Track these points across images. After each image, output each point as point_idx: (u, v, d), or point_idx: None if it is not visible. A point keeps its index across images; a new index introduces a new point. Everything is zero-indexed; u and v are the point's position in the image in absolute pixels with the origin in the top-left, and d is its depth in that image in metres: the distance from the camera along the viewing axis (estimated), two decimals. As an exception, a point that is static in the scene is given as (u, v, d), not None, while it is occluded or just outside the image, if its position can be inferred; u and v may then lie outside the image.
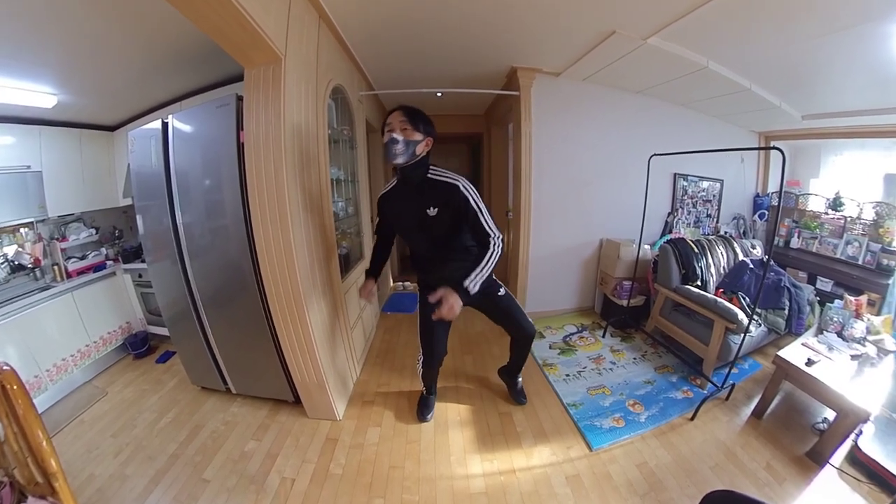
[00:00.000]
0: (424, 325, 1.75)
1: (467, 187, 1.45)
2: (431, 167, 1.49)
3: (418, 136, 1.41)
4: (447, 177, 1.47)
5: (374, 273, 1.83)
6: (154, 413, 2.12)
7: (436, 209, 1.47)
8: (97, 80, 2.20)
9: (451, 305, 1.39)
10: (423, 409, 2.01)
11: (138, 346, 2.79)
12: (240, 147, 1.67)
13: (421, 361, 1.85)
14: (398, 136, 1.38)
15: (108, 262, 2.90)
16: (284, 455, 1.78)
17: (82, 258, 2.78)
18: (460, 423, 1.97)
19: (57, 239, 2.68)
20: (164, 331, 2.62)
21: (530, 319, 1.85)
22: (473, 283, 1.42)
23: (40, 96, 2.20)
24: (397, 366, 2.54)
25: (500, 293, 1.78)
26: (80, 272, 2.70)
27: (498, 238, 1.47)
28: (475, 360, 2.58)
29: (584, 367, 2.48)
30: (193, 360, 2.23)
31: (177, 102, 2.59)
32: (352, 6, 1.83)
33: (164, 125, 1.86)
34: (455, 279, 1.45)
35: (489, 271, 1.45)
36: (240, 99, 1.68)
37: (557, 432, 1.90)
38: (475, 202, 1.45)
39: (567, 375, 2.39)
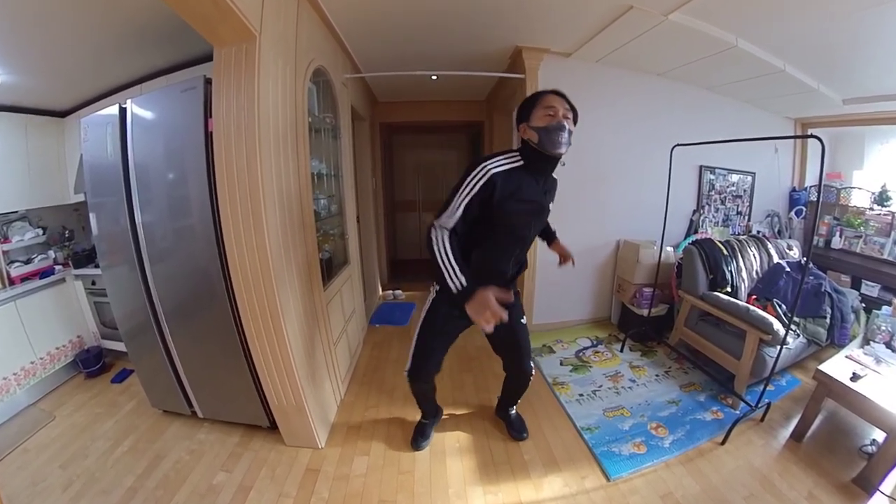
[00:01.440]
0: (432, 325, 1.69)
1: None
2: None
3: (573, 128, 1.51)
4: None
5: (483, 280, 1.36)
6: (109, 440, 2.10)
7: (551, 203, 1.65)
8: (45, 58, 2.19)
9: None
10: (418, 435, 2.00)
11: (91, 363, 2.76)
12: (208, 136, 1.67)
13: (408, 371, 1.75)
14: (567, 124, 1.45)
15: (57, 267, 2.87)
16: (259, 489, 1.76)
17: (27, 262, 2.75)
18: (459, 450, 1.97)
19: (-2, 241, 2.66)
20: (120, 346, 2.59)
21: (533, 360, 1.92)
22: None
23: (-21, 78, 2.19)
24: (387, 386, 2.53)
25: (522, 320, 1.80)
26: (25, 278, 2.67)
27: None
28: (475, 379, 2.57)
29: (600, 386, 2.48)
30: (154, 380, 2.21)
31: (137, 85, 2.58)
32: (335, -23, 1.85)
33: (122, 111, 1.85)
34: (514, 280, 1.69)
35: None
36: (208, 82, 1.67)
37: (570, 460, 1.89)
38: None
39: (581, 395, 2.39)
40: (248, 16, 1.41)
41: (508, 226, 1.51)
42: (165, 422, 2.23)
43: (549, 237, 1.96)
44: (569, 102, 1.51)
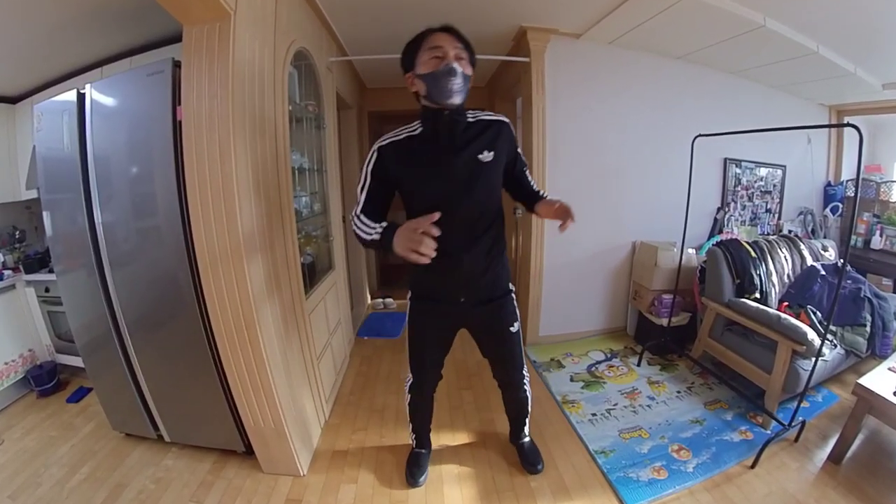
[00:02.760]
0: (416, 337, 1.73)
1: (513, 128, 1.44)
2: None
3: (470, 70, 1.38)
4: (489, 114, 1.46)
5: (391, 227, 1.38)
6: (64, 467, 2.08)
7: (491, 153, 1.42)
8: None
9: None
10: (413, 468, 1.95)
11: (44, 380, 2.74)
12: (176, 126, 1.67)
13: (409, 384, 1.83)
14: (458, 66, 1.31)
15: (6, 272, 2.86)
16: (232, 521, 1.75)
17: (-28, 269, 2.75)
18: (458, 477, 1.96)
19: (-61, 244, 2.65)
20: (77, 361, 2.58)
21: (527, 375, 1.84)
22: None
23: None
24: (377, 406, 2.53)
25: (512, 328, 1.69)
26: (-30, 287, 2.67)
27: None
28: (476, 396, 2.57)
29: (615, 405, 2.49)
30: (115, 400, 2.20)
31: (97, 68, 2.58)
32: (319, -51, 1.85)
33: (81, 97, 1.85)
34: (486, 273, 1.51)
35: None
36: (177, 65, 1.67)
37: (582, 487, 1.89)
38: (520, 148, 1.47)
39: (593, 415, 2.39)
40: (221, -9, 1.41)
41: (417, 202, 1.45)
42: (128, 446, 2.22)
43: (530, 200, 1.62)
44: (462, 39, 1.38)
